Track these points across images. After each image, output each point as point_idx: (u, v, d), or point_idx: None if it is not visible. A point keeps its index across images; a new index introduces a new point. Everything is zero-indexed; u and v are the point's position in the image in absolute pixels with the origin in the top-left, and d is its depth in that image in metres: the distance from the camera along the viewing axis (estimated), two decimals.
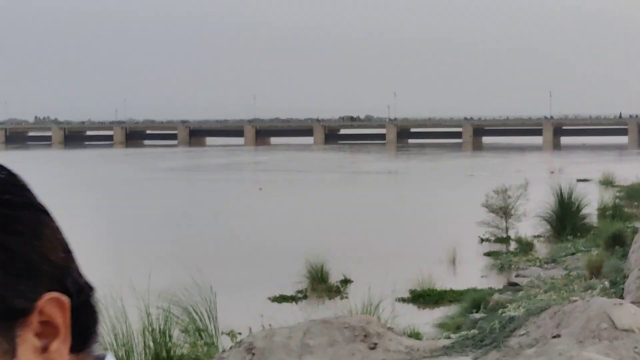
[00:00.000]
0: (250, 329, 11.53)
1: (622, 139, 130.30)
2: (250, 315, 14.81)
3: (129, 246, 27.16)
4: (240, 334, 14.26)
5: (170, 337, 10.71)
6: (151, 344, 10.55)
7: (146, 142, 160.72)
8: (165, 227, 32.10)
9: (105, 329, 10.50)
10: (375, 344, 6.62)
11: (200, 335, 10.92)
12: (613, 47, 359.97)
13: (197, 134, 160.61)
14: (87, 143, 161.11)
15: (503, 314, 12.50)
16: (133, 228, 31.80)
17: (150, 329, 10.65)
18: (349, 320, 6.77)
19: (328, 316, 7.06)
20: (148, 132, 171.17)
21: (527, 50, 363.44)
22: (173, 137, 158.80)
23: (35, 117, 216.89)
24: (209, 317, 11.07)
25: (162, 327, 10.72)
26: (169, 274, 13.54)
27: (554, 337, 6.20)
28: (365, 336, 6.67)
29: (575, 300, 6.51)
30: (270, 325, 10.89)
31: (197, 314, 11.01)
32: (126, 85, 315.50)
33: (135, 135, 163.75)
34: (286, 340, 6.66)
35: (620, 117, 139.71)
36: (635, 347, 5.94)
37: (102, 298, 10.43)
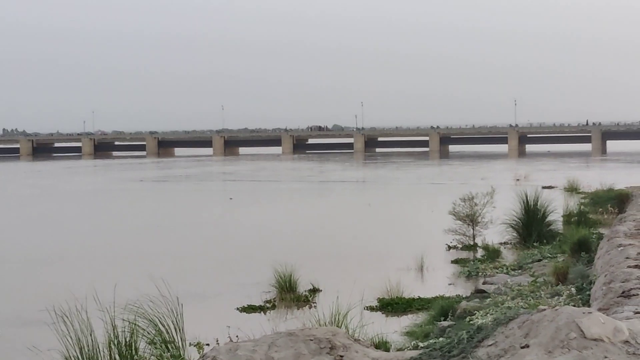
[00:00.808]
0: (217, 340, 11.46)
1: (586, 147, 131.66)
2: (218, 326, 14.72)
3: (94, 257, 26.92)
4: (207, 345, 14.18)
5: (136, 349, 10.60)
6: (117, 357, 10.45)
7: (115, 153, 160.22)
8: (132, 237, 31.89)
9: (70, 342, 10.39)
10: (342, 356, 6.57)
11: (167, 347, 10.81)
12: (578, 54, 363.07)
13: (165, 145, 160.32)
14: (55, 155, 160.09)
15: (471, 322, 12.51)
16: (99, 239, 31.52)
17: (116, 342, 10.54)
18: (315, 332, 6.71)
19: (293, 328, 6.99)
20: (116, 143, 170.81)
21: (492, 58, 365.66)
22: (142, 148, 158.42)
23: (3, 130, 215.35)
24: (175, 329, 10.96)
25: (128, 339, 10.61)
26: (135, 285, 13.40)
27: (523, 347, 6.16)
28: (332, 348, 6.61)
29: (544, 309, 6.47)
30: (237, 336, 10.82)
31: (163, 325, 10.89)
32: (94, 97, 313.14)
33: (103, 147, 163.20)
34: (250, 354, 6.58)
35: (587, 124, 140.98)
36: (605, 357, 5.93)
37: (67, 310, 10.37)
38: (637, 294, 9.46)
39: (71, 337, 10.42)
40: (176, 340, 10.90)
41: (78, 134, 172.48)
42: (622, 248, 13.97)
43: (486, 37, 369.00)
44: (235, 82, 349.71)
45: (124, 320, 10.68)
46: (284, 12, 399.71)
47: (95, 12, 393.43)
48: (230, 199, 49.38)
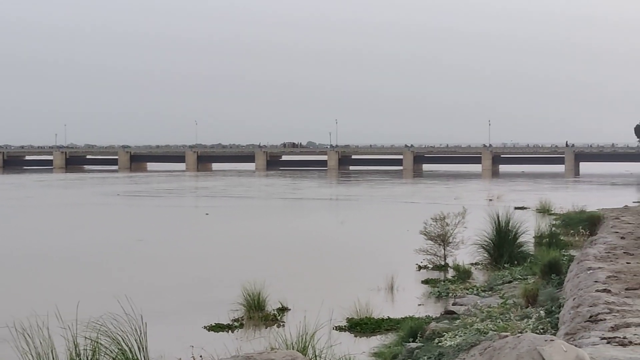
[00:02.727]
0: None
1: (560, 168, 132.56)
2: (183, 345, 14.56)
3: (59, 272, 26.62)
4: None
5: None
6: None
7: (86, 167, 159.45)
8: (102, 252, 31.55)
9: (30, 359, 10.18)
10: None
11: None
12: (554, 74, 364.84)
13: (137, 159, 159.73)
14: (26, 168, 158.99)
15: (439, 344, 12.42)
16: (67, 253, 31.20)
17: None
18: (273, 356, 6.60)
19: (252, 352, 6.85)
20: (88, 157, 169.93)
21: (467, 78, 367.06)
22: (113, 162, 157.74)
23: None
24: (139, 348, 10.77)
25: (89, 358, 10.41)
26: (99, 302, 13.22)
27: None
28: None
29: (506, 336, 6.37)
30: (200, 356, 10.68)
31: (126, 344, 10.70)
32: (67, 110, 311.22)
33: (75, 160, 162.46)
34: None
35: (567, 145, 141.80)
36: None
37: (28, 327, 10.17)
38: (605, 319, 9.39)
39: (32, 355, 10.21)
40: (139, 359, 10.71)
41: (50, 147, 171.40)
42: (591, 271, 13.94)
43: (462, 55, 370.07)
44: (208, 96, 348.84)
45: (86, 338, 10.47)
46: (251, 12, 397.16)
47: (55, 8, 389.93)
48: (207, 214, 49.33)
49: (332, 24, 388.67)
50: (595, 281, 12.77)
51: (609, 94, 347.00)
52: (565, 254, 23.33)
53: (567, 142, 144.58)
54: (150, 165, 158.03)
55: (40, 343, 10.22)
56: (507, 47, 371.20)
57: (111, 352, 10.60)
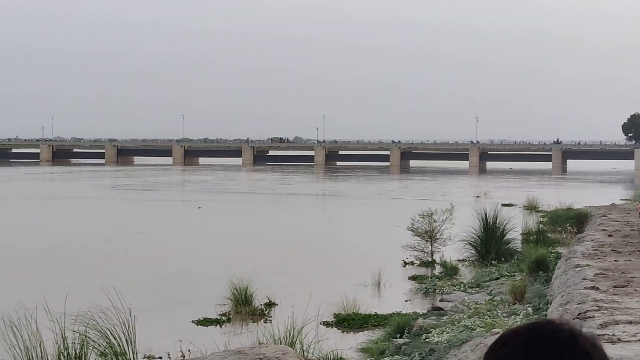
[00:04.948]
0: (169, 355, 11.31)
1: (547, 165, 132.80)
2: (171, 339, 14.54)
3: (49, 265, 26.54)
4: (160, 358, 14.00)
5: None
6: None
7: (73, 160, 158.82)
8: (92, 246, 31.44)
9: (18, 353, 10.16)
10: None
11: (117, 359, 10.61)
12: (545, 71, 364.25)
13: (124, 153, 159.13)
14: (12, 160, 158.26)
15: (427, 340, 12.43)
16: (58, 246, 31.09)
17: (65, 354, 10.33)
18: (264, 351, 6.59)
19: (243, 346, 6.84)
20: (75, 150, 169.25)
21: (454, 74, 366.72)
22: (100, 155, 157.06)
23: None
24: (127, 341, 10.76)
25: (78, 351, 10.41)
26: (87, 295, 13.18)
27: None
28: None
29: (497, 332, 6.38)
30: (189, 350, 10.66)
31: (115, 337, 10.69)
32: (54, 104, 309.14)
33: (62, 154, 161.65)
34: None
35: (555, 142, 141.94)
36: None
37: (16, 321, 10.14)
38: (593, 316, 9.43)
39: (20, 348, 10.19)
40: (128, 353, 10.70)
41: (37, 140, 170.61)
42: (579, 269, 13.98)
43: (451, 50, 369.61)
44: (194, 92, 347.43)
45: (74, 331, 10.46)
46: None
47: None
48: (199, 207, 49.32)
49: (323, 14, 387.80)
50: (584, 278, 12.81)
51: (603, 89, 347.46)
52: (553, 251, 23.42)
53: (557, 139, 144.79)
54: (137, 159, 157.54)
55: (29, 336, 10.21)
56: (502, 40, 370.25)
57: (99, 345, 10.59)
